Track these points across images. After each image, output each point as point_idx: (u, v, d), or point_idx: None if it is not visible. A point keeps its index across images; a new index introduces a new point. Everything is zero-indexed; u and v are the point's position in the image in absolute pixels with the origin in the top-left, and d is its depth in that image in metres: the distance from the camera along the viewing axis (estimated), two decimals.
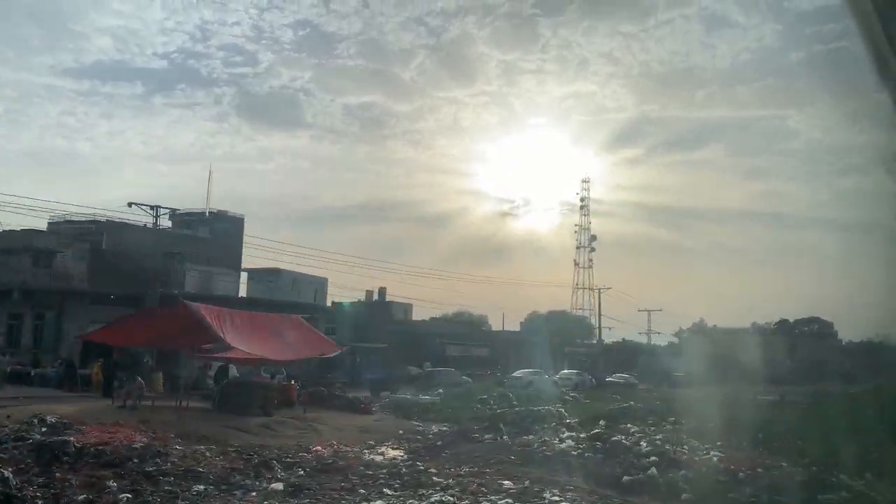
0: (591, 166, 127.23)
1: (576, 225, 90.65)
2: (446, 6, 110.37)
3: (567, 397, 29.36)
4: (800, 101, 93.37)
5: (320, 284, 55.71)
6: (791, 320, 77.17)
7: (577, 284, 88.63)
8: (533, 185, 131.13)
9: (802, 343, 69.51)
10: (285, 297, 48.85)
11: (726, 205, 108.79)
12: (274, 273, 52.90)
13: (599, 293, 77.03)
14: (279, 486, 10.77)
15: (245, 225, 53.62)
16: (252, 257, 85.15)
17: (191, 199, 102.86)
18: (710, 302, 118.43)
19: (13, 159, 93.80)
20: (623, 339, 79.21)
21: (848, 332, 68.79)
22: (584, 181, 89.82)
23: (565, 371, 45.02)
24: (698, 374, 54.38)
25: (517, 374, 39.23)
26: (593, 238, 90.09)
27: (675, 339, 77.24)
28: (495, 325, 69.38)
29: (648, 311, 79.48)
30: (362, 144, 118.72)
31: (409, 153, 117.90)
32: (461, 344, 52.57)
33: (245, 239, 52.26)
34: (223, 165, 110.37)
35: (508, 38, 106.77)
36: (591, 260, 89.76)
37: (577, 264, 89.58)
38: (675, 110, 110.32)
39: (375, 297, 57.30)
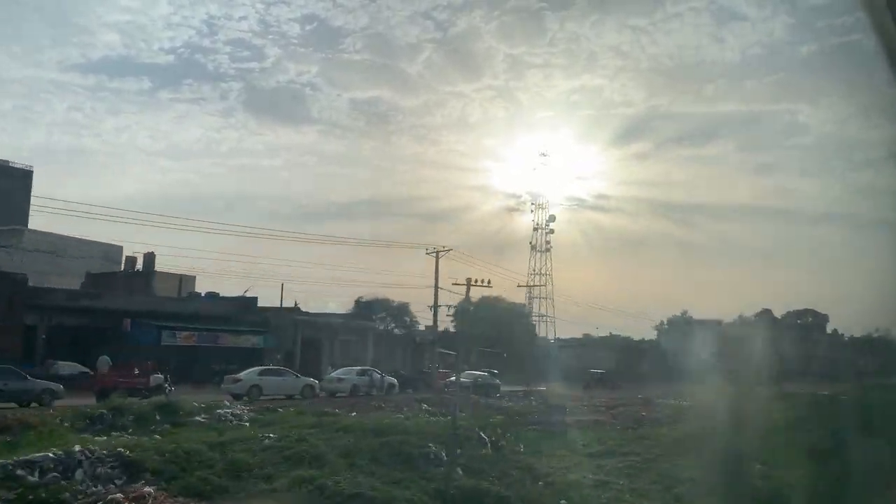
0: (599, 161, 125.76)
1: (532, 203, 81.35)
2: (453, 0, 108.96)
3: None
4: (811, 95, 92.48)
5: (112, 252, 46.39)
6: (776, 313, 72.98)
7: (533, 270, 78.79)
8: (539, 181, 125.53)
9: (786, 336, 65.98)
10: (27, 263, 38.82)
11: (735, 200, 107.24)
12: (13, 234, 43.41)
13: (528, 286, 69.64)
14: None
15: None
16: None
17: (187, 196, 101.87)
18: (711, 297, 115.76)
19: (22, 156, 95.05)
20: (611, 333, 75.06)
21: (851, 327, 67.87)
22: (543, 154, 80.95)
23: (342, 370, 35.05)
24: (636, 373, 51.97)
25: (242, 374, 29.24)
26: (552, 218, 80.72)
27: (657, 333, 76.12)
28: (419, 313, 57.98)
29: (528, 285, 74.00)
30: (368, 140, 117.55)
31: (416, 148, 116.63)
32: (201, 331, 37.83)
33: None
34: (229, 161, 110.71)
35: (515, 32, 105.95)
36: (548, 242, 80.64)
37: (533, 248, 79.91)
38: (685, 105, 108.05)
39: (140, 265, 45.25)
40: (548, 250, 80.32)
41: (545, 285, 79.54)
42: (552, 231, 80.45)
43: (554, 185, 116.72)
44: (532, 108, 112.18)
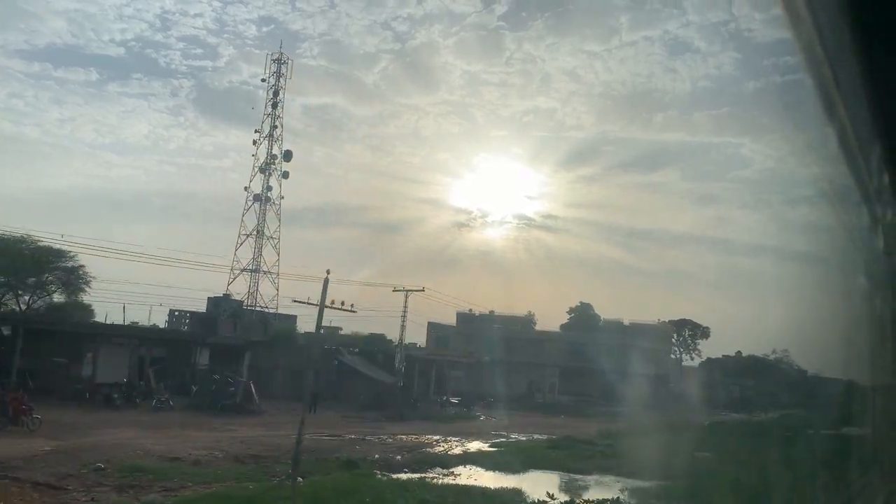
0: (548, 182, 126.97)
1: (256, 131, 59.94)
2: (413, 13, 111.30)
3: None
4: (754, 130, 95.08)
5: None
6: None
7: (256, 229, 58.49)
8: (490, 198, 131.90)
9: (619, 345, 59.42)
10: None
11: (677, 227, 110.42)
12: None
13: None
14: None
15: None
16: None
17: (145, 191, 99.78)
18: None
19: None
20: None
21: (755, 348, 68.20)
22: (275, 60, 61.20)
23: None
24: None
25: None
26: (287, 155, 59.29)
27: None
28: None
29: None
30: (320, 146, 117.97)
31: (368, 158, 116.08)
32: None
33: None
34: (177, 159, 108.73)
35: (473, 49, 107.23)
36: (271, 188, 58.60)
37: (257, 199, 58.78)
38: (634, 132, 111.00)
39: None
40: (269, 199, 59.13)
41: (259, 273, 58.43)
42: (286, 175, 59.80)
43: (503, 204, 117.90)
44: (486, 125, 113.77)
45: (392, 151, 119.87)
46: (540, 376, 58.05)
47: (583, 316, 75.49)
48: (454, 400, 47.86)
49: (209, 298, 56.13)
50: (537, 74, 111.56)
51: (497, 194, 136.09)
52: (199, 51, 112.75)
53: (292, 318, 56.15)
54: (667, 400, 54.26)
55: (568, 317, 77.82)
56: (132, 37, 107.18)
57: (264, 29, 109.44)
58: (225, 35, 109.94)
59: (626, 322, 70.04)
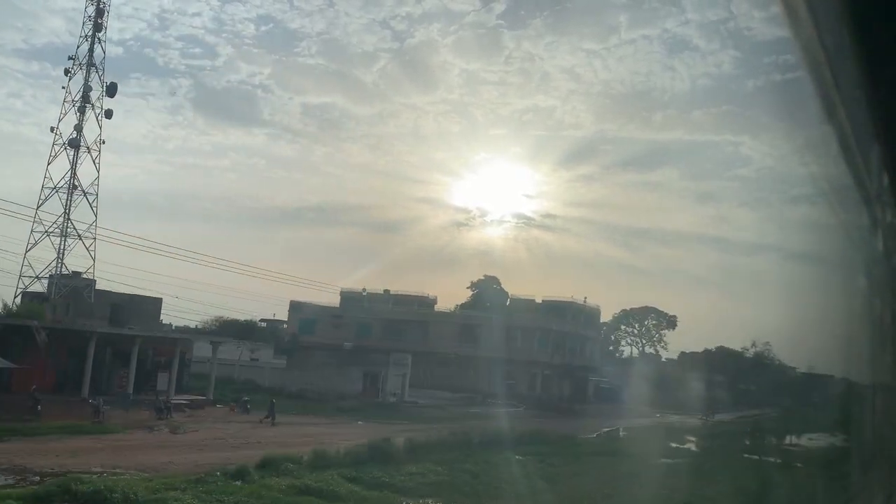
0: (547, 181, 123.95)
1: (70, 58, 47.47)
2: (412, 11, 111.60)
3: None
4: (753, 128, 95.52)
5: None
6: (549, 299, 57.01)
7: (69, 180, 46.51)
8: (489, 197, 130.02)
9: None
10: None
11: (675, 226, 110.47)
12: None
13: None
14: None
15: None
16: None
17: (143, 190, 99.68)
18: None
19: None
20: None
21: (738, 343, 66.40)
22: None
23: None
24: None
25: None
26: (111, 89, 47.74)
27: None
28: None
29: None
30: (319, 145, 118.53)
31: (367, 157, 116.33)
32: None
33: None
34: (175, 159, 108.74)
35: (472, 47, 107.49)
36: (80, 133, 46.30)
37: (72, 143, 46.82)
38: (633, 130, 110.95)
39: None
40: (80, 144, 46.95)
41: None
42: (108, 113, 49.00)
43: (502, 203, 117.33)
44: (485, 124, 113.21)
45: (391, 150, 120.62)
46: (386, 368, 45.78)
47: (486, 292, 63.50)
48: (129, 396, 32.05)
49: (50, 276, 45.83)
50: (536, 73, 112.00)
51: (496, 193, 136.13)
52: (197, 50, 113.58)
53: (158, 301, 45.43)
54: (586, 398, 46.88)
55: (470, 293, 65.92)
56: (130, 36, 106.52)
57: (262, 28, 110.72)
58: (223, 34, 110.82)
59: (539, 300, 59.00)
